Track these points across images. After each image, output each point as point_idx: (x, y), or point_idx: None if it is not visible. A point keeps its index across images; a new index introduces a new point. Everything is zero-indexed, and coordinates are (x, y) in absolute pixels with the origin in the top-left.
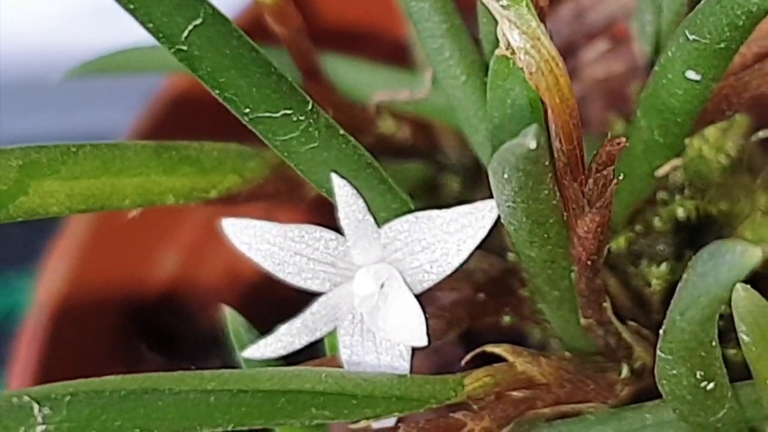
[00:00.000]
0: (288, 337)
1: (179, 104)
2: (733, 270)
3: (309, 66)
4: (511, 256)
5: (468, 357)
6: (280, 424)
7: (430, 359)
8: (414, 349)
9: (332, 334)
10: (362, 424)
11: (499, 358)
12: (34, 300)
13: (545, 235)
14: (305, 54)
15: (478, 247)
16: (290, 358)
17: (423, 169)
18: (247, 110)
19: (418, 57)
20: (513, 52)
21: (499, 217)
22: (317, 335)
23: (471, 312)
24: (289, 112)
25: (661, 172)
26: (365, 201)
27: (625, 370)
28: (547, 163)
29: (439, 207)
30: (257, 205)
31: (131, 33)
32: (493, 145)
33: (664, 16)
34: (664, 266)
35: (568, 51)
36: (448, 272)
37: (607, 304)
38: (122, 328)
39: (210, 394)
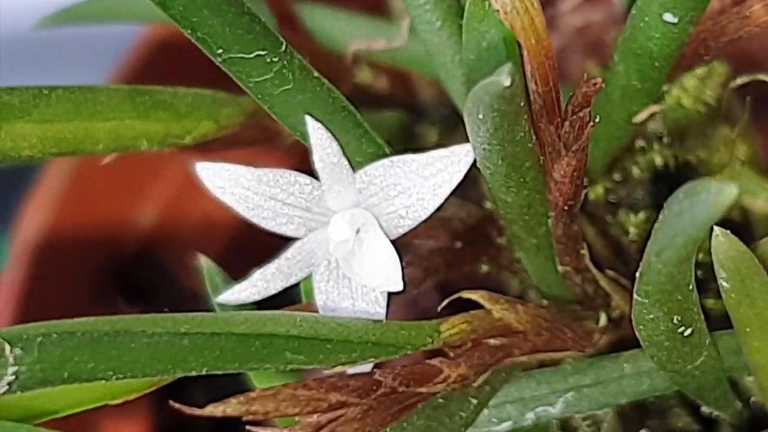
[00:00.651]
0: (262, 282)
1: (157, 55)
2: (709, 208)
3: (284, 13)
4: (489, 204)
5: (445, 302)
6: (255, 369)
7: (409, 310)
8: (390, 297)
9: (308, 279)
10: (338, 369)
11: (477, 307)
12: (10, 254)
13: (521, 180)
14: (280, 0)
15: (457, 196)
16: (266, 305)
17: (400, 118)
18: (220, 51)
19: (395, 6)
20: None
21: (477, 165)
22: (292, 280)
23: (448, 260)
24: (262, 53)
25: (639, 118)
26: (340, 145)
27: (603, 319)
28: (522, 104)
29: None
30: (238, 153)
31: None
32: (468, 88)
33: None
34: (642, 215)
35: (546, 0)
36: (424, 217)
37: (584, 251)
38: (100, 281)
39: (183, 337)
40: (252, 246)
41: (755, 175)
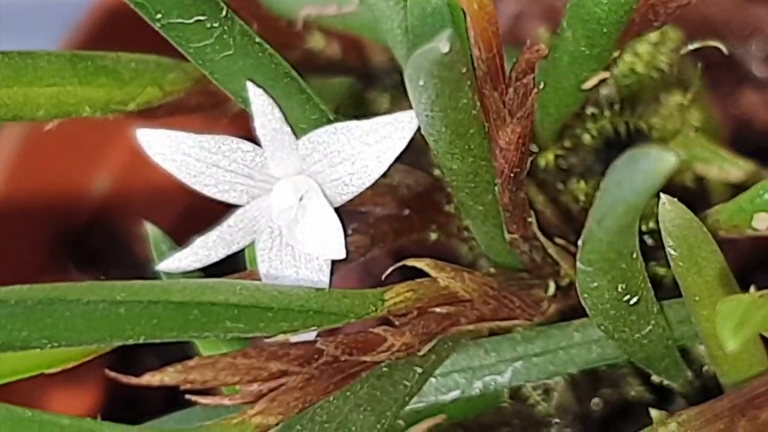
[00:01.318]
0: (204, 250)
1: (108, 22)
2: (648, 176)
3: None
4: (437, 172)
5: (389, 271)
6: (195, 337)
7: (362, 279)
8: (335, 265)
9: (252, 247)
10: (280, 338)
11: (426, 276)
12: None
13: (466, 147)
14: None
15: (404, 162)
16: (210, 272)
17: (350, 84)
18: (159, 16)
19: None
20: None
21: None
22: (234, 248)
23: (396, 228)
24: (202, 18)
25: (588, 84)
26: (282, 111)
27: (551, 287)
28: (464, 70)
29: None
30: (186, 120)
31: None
32: (411, 54)
33: None
34: (592, 182)
35: None
36: (368, 184)
37: (531, 219)
38: (52, 248)
39: (120, 305)
40: (205, 214)
41: (709, 142)
